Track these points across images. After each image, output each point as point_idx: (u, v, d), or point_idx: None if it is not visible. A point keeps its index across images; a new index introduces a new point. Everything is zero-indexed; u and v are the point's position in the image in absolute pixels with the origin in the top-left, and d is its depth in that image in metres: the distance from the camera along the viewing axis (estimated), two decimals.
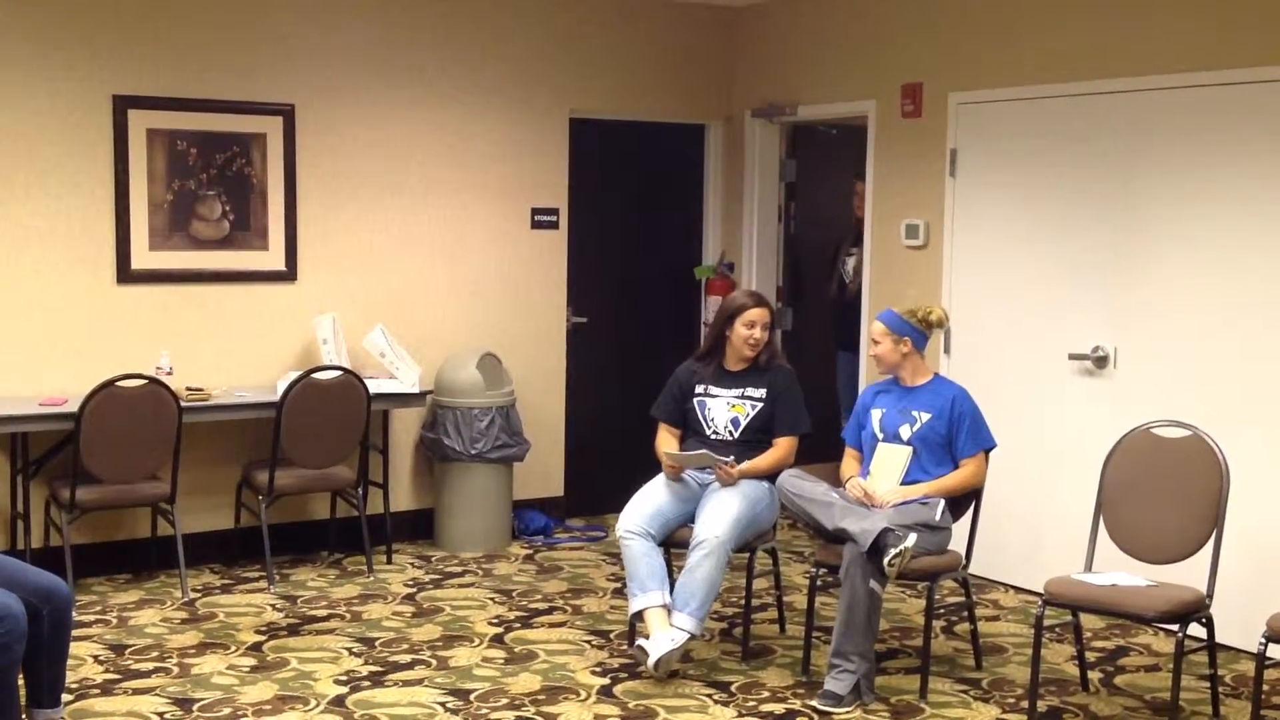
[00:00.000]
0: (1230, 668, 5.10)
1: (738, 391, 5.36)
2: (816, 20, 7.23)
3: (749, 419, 5.31)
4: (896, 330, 5.07)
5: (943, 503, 4.91)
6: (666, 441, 5.41)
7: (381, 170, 6.80)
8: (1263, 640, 4.20)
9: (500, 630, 5.55)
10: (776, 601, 5.66)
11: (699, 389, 5.42)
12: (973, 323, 6.33)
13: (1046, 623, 4.63)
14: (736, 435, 5.31)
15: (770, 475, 5.20)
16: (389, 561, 6.57)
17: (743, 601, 5.39)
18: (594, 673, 5.05)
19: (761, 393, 5.33)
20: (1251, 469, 5.04)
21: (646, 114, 7.59)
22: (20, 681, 4.04)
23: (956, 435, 4.96)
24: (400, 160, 6.84)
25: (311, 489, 6.38)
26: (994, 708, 4.76)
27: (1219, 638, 4.59)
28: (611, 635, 5.50)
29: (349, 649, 5.27)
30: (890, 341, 5.08)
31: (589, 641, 5.43)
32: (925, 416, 4.99)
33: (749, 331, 5.31)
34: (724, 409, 5.35)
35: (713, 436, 5.34)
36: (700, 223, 7.88)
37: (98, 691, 4.76)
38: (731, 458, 5.20)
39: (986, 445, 5.00)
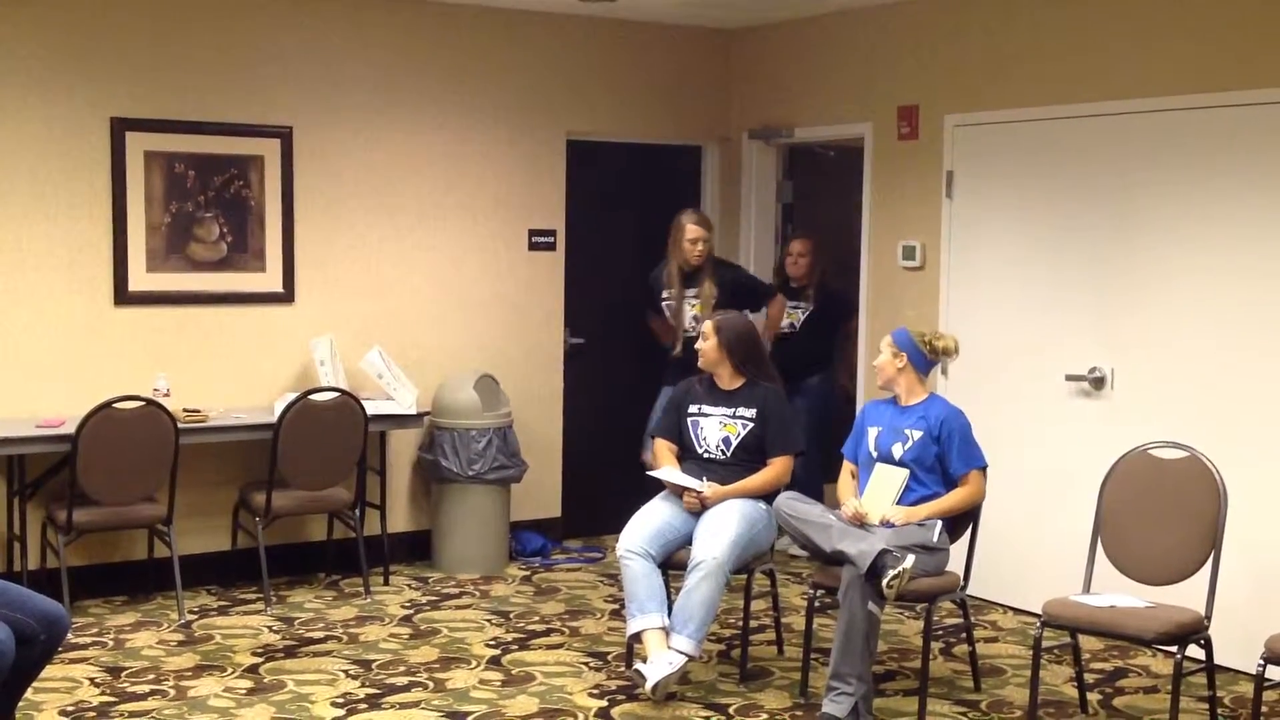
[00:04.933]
0: (1229, 689, 5.09)
1: (729, 410, 5.36)
2: (813, 43, 7.25)
3: (740, 438, 5.31)
4: (898, 344, 5.10)
5: (940, 524, 4.91)
6: (666, 458, 5.40)
7: (379, 192, 6.81)
8: (1261, 661, 4.20)
9: (497, 652, 5.54)
10: (774, 623, 5.65)
11: (692, 408, 5.42)
12: (970, 344, 6.30)
13: (1045, 644, 4.62)
14: (728, 455, 5.31)
15: (767, 496, 5.20)
16: (386, 583, 6.56)
17: (740, 623, 5.39)
18: (591, 695, 5.04)
19: (752, 412, 5.33)
20: (1249, 490, 5.03)
21: (643, 136, 7.60)
22: None
23: (948, 455, 4.96)
24: (398, 182, 6.85)
25: (308, 510, 6.37)
26: None
27: (1218, 659, 4.59)
28: (609, 657, 5.48)
29: (346, 671, 5.26)
30: (890, 353, 5.10)
31: (587, 663, 5.42)
32: (917, 435, 4.99)
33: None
34: (716, 428, 5.35)
35: (704, 456, 5.34)
36: None
37: (94, 714, 4.74)
38: (705, 483, 5.19)
39: (978, 464, 4.99)
